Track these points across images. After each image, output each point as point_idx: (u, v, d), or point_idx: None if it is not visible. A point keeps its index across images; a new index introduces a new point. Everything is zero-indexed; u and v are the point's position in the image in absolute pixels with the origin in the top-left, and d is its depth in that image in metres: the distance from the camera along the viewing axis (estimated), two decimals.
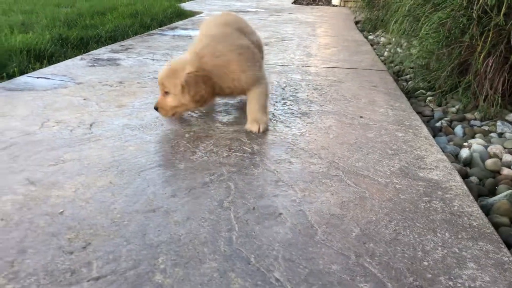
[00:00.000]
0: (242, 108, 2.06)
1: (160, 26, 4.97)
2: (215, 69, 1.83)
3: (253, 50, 1.99)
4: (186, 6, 7.20)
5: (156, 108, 1.89)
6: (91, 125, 1.84)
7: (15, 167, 1.45)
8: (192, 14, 6.18)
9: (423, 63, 2.74)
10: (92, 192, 1.31)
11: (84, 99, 2.18)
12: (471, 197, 1.33)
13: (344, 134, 1.82)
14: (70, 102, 2.13)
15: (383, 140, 1.77)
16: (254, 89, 1.89)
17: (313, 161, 1.55)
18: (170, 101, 1.85)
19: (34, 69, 2.87)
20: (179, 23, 5.25)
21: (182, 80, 1.79)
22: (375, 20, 5.22)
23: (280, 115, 2.05)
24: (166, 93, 1.85)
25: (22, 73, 2.78)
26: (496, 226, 1.27)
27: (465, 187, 1.40)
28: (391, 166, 1.53)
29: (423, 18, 2.48)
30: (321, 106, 2.20)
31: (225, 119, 1.98)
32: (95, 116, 1.94)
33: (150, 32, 4.47)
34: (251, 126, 1.82)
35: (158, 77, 1.87)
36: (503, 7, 2.03)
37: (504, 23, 2.03)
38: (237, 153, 1.60)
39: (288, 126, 1.90)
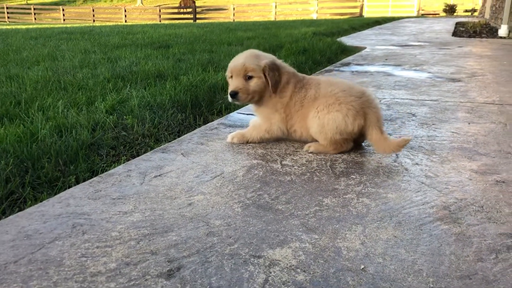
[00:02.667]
0: None
1: (329, 62, 4.96)
2: None
3: None
4: (343, 41, 7.17)
5: (234, 94, 1.98)
6: (330, 167, 1.77)
7: (283, 210, 1.41)
8: (355, 49, 6.10)
9: None
10: (382, 246, 1.19)
11: None
12: None
13: None
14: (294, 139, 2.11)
15: None
16: None
17: None
18: (253, 84, 1.98)
19: (235, 106, 2.98)
20: (349, 58, 5.20)
21: (266, 62, 1.97)
22: None
23: None
24: (250, 77, 1.98)
25: (226, 109, 2.90)
26: None
27: None
28: None
29: None
30: None
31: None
32: (329, 157, 1.88)
33: (327, 68, 4.46)
34: None
35: (236, 63, 2.01)
36: None
37: None
38: None
39: None
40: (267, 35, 7.72)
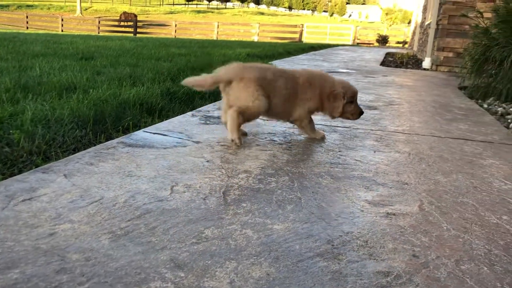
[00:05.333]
0: None
1: None
2: None
3: None
4: (275, 64, 7.23)
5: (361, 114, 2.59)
6: (224, 193, 1.67)
7: (155, 242, 1.28)
8: None
9: None
10: (250, 287, 1.08)
11: (207, 161, 2.03)
12: None
13: None
14: (194, 163, 1.99)
15: None
16: None
17: (509, 267, 1.24)
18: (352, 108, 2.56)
19: (145, 123, 2.83)
20: None
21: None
22: (485, 87, 4.84)
23: (429, 195, 1.76)
24: (352, 102, 2.52)
25: (134, 126, 2.75)
26: None
27: None
28: None
29: None
30: (474, 187, 1.88)
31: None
32: (225, 183, 1.77)
33: None
34: None
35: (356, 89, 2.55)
36: None
37: None
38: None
39: (447, 213, 1.61)
40: (200, 53, 7.63)
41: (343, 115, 2.55)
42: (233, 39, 23.90)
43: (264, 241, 1.32)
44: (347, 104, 2.51)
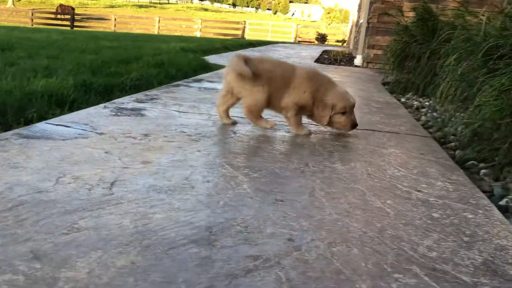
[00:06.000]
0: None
1: (185, 78, 4.87)
2: None
3: None
4: (210, 59, 7.19)
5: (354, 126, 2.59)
6: (112, 184, 1.61)
7: (20, 234, 1.20)
8: (216, 67, 6.11)
9: (476, 132, 2.50)
10: (110, 275, 1.05)
11: (106, 152, 1.96)
12: None
13: (406, 213, 1.55)
14: (90, 155, 1.91)
15: (452, 223, 1.50)
16: None
17: (377, 248, 1.28)
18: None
19: (54, 115, 2.70)
20: (205, 75, 5.16)
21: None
22: (405, 82, 5.06)
23: (324, 182, 1.80)
24: (343, 113, 2.52)
25: (41, 119, 2.61)
26: None
27: None
28: (472, 259, 1.25)
29: (478, 84, 2.27)
30: (368, 174, 1.95)
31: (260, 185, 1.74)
32: (117, 174, 1.71)
33: (176, 83, 4.35)
34: None
35: (351, 102, 2.53)
36: None
37: None
38: (283, 230, 1.35)
39: (336, 198, 1.64)
40: (131, 46, 7.44)
41: (333, 125, 2.59)
42: (175, 34, 23.53)
43: (140, 230, 1.28)
44: (337, 115, 2.51)
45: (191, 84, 4.29)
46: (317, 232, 1.35)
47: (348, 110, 2.53)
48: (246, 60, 2.49)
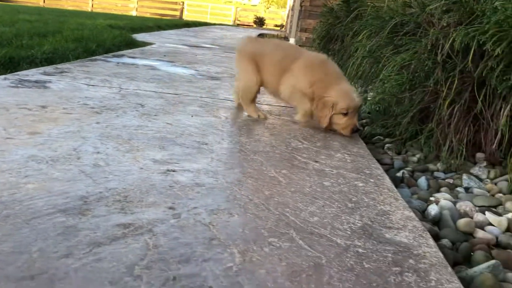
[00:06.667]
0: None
1: (106, 53, 4.65)
2: None
3: None
4: (138, 37, 6.94)
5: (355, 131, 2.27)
6: None
7: None
8: (143, 44, 5.90)
9: (382, 107, 2.57)
10: None
11: None
12: (450, 269, 1.08)
13: (297, 181, 1.55)
14: None
15: (341, 190, 1.52)
16: None
17: (259, 214, 1.26)
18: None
19: None
20: (128, 51, 4.96)
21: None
22: None
23: (223, 153, 1.77)
24: (345, 114, 2.23)
25: None
26: None
27: (440, 254, 1.15)
28: (351, 224, 1.27)
29: (384, 60, 2.33)
30: (272, 147, 1.94)
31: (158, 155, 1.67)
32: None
33: (94, 57, 4.13)
34: None
35: (355, 102, 2.22)
36: (470, 53, 1.88)
37: (471, 70, 1.89)
38: (166, 199, 1.29)
39: (231, 168, 1.61)
40: (52, 21, 7.00)
41: (332, 127, 2.30)
42: (109, 12, 22.52)
43: (3, 200, 1.18)
44: (338, 116, 2.23)
45: (110, 59, 4.10)
46: (201, 201, 1.31)
47: (351, 110, 2.23)
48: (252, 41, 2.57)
